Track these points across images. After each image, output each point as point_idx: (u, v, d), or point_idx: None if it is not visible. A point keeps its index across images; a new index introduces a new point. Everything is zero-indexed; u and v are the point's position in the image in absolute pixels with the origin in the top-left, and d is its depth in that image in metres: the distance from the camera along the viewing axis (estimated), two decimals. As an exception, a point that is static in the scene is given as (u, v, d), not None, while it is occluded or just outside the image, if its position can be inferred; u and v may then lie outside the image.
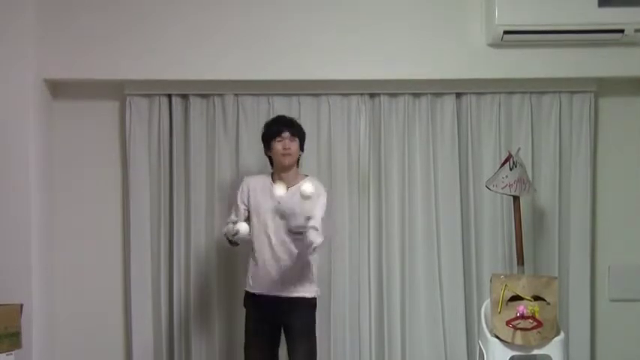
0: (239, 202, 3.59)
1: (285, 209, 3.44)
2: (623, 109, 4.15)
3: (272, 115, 4.02)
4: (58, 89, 4.05)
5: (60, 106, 4.06)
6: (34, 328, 3.72)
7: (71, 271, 4.06)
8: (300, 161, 3.66)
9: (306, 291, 3.51)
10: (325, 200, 3.53)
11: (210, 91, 4.04)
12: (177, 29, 3.86)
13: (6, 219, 3.72)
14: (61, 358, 4.02)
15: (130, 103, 4.03)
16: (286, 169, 3.56)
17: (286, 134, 3.54)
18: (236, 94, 4.06)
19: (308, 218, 3.29)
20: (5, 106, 3.74)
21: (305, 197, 3.30)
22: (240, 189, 3.61)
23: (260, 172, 3.78)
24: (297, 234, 3.39)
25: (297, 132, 3.60)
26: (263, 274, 3.48)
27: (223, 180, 4.03)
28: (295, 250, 3.44)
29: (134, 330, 4.00)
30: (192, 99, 4.05)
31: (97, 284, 4.08)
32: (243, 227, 3.40)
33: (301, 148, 3.63)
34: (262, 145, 3.81)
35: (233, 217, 3.57)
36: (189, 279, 4.03)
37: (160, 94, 4.05)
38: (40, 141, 3.89)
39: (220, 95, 4.05)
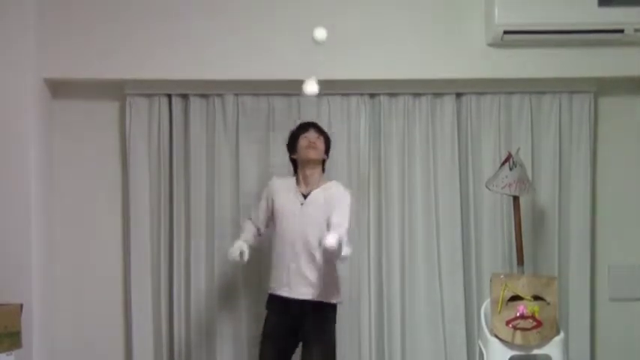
0: (262, 202, 3.61)
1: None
2: (623, 109, 4.16)
3: (272, 115, 4.05)
4: (58, 89, 4.05)
5: (60, 106, 4.06)
6: (34, 328, 3.72)
7: (71, 271, 4.06)
8: (325, 167, 3.66)
9: (327, 297, 3.46)
10: (348, 207, 3.47)
11: (210, 91, 4.04)
12: (177, 29, 3.86)
13: (6, 219, 3.72)
14: (61, 358, 4.02)
15: (130, 103, 4.03)
16: (311, 166, 3.53)
17: (312, 131, 3.58)
18: (236, 94, 4.06)
19: (329, 225, 3.29)
20: (5, 106, 3.73)
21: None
22: (266, 189, 3.63)
23: (259, 171, 3.79)
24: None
25: (323, 133, 3.64)
26: (284, 276, 3.45)
27: (223, 180, 4.03)
28: (318, 255, 3.40)
29: (134, 330, 4.00)
30: (192, 99, 4.05)
31: (97, 284, 4.08)
32: (238, 254, 3.40)
33: (326, 153, 3.63)
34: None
35: (253, 215, 3.63)
36: (189, 278, 4.02)
37: (159, 94, 4.05)
38: (40, 141, 3.89)
39: (220, 95, 4.05)
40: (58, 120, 4.05)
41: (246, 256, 3.41)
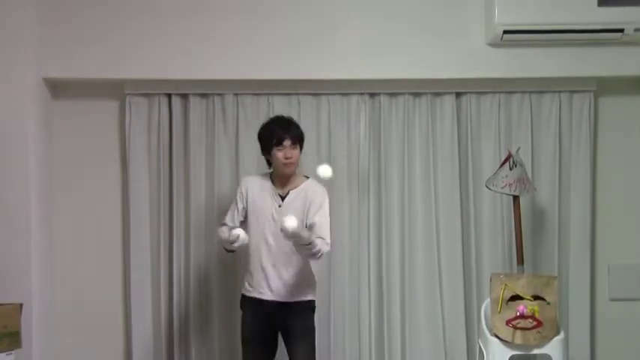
0: (238, 203, 3.52)
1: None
2: (623, 109, 4.16)
3: (272, 115, 4.02)
4: (57, 89, 4.05)
5: (60, 106, 4.06)
6: (34, 327, 3.72)
7: (71, 271, 4.06)
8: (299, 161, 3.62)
9: (305, 294, 3.47)
10: (327, 204, 3.46)
11: (210, 90, 4.04)
12: (177, 29, 3.86)
13: (6, 219, 3.71)
14: (61, 358, 4.02)
15: (129, 102, 4.03)
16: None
17: (287, 142, 3.40)
18: (236, 94, 4.06)
19: (310, 227, 3.27)
20: (5, 105, 3.73)
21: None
22: (239, 189, 3.55)
23: (259, 172, 3.78)
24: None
25: (298, 138, 3.46)
26: (260, 277, 3.44)
27: (223, 180, 4.03)
28: (294, 254, 3.38)
29: (134, 330, 4.00)
30: (192, 98, 4.05)
31: (97, 284, 4.08)
32: (242, 235, 3.31)
33: (300, 150, 3.54)
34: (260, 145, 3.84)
35: (228, 219, 3.51)
36: (188, 278, 4.03)
37: (159, 94, 4.05)
38: (40, 140, 3.89)
39: (220, 95, 4.05)
40: (57, 120, 4.05)
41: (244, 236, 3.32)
